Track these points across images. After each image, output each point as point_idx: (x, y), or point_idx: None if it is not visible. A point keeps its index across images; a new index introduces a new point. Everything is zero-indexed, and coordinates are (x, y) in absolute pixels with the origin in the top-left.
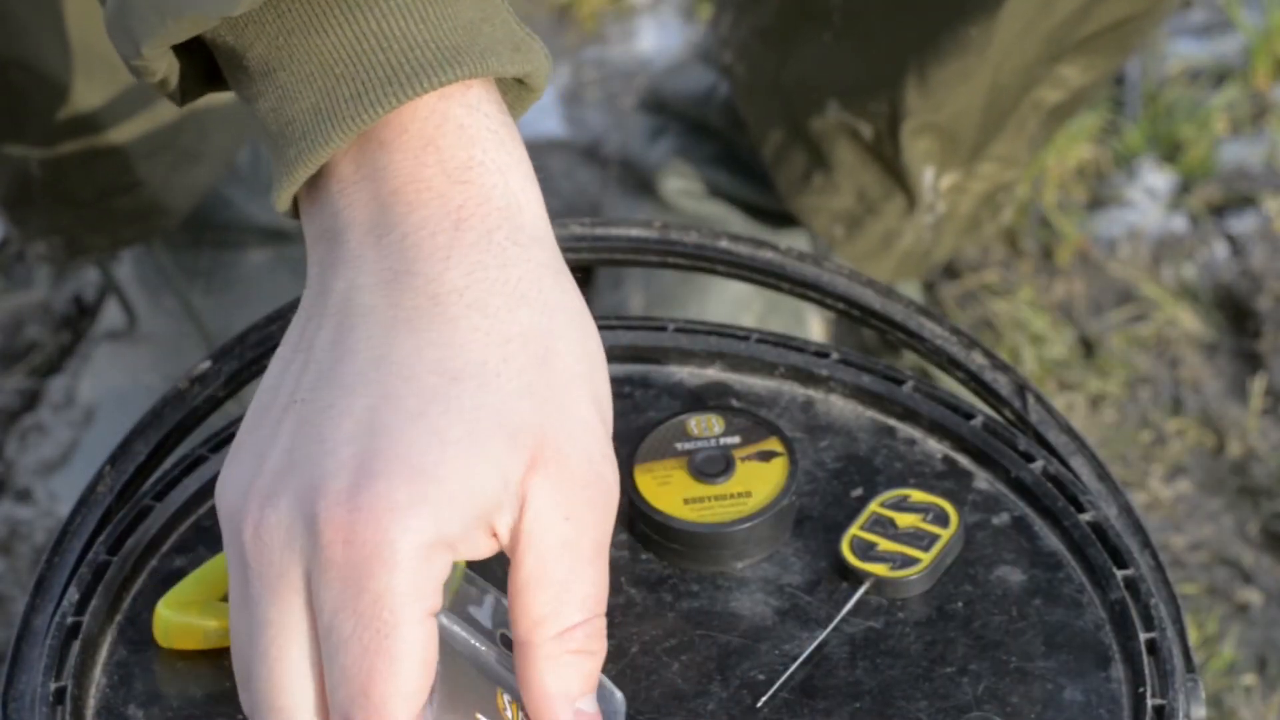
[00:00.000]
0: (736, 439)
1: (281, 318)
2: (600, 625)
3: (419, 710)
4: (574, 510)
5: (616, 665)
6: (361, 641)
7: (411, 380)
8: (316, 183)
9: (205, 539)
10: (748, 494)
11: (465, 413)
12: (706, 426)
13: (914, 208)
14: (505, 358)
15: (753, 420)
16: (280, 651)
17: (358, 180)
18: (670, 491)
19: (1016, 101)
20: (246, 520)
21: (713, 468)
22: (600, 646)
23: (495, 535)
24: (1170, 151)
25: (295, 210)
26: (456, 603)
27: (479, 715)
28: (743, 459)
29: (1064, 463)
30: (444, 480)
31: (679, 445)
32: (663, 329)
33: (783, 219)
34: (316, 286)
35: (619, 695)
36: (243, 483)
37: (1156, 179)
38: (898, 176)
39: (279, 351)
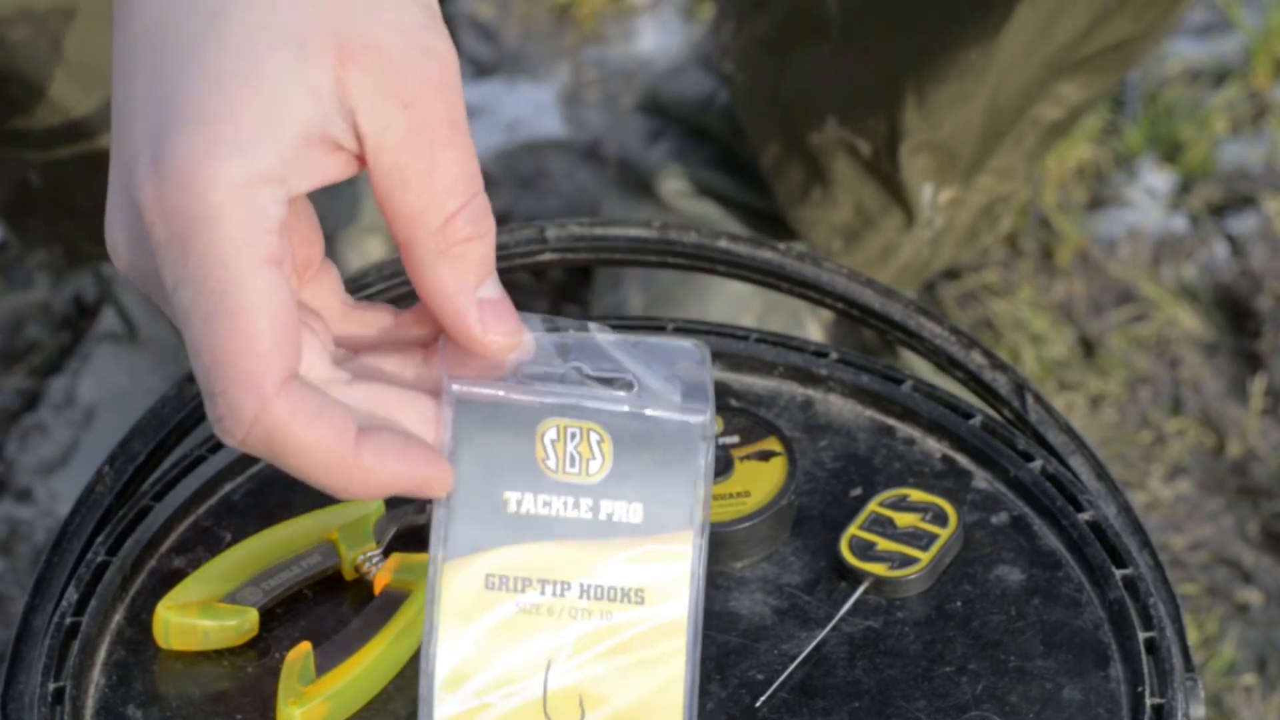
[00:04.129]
0: (735, 438)
1: None
2: (480, 204)
3: (283, 372)
4: (409, 95)
5: None
6: (200, 308)
7: (175, 35)
8: None
9: (205, 539)
10: (747, 494)
11: (236, 40)
12: None
13: (912, 223)
14: None
15: (752, 420)
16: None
17: None
18: None
19: (1015, 119)
20: (110, 254)
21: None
22: (487, 226)
23: (341, 148)
24: (1170, 151)
25: None
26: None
27: (507, 492)
28: (741, 458)
29: (1063, 462)
30: (234, 116)
31: None
32: (662, 329)
33: (782, 223)
34: None
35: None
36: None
37: (1156, 179)
38: (895, 192)
39: None
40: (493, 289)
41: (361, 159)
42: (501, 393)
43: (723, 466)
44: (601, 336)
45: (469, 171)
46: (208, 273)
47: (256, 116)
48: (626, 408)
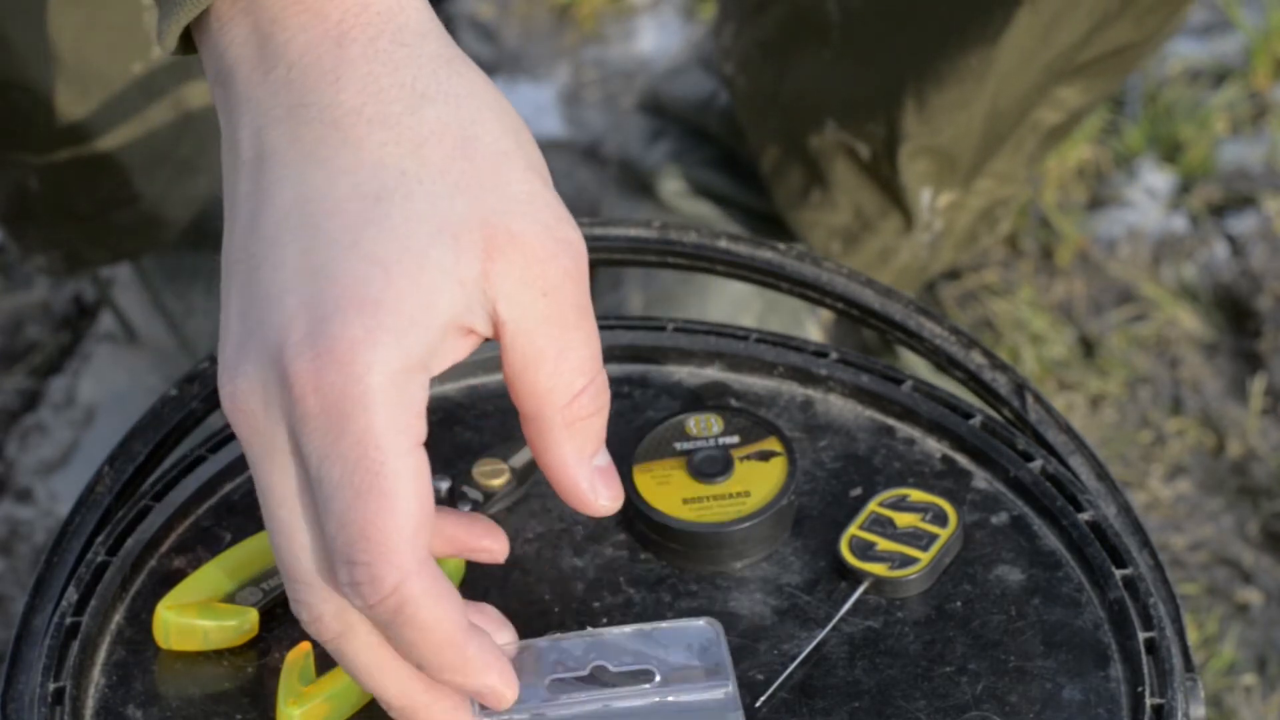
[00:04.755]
0: (735, 439)
1: None
2: (601, 381)
3: (424, 551)
4: (548, 284)
5: None
6: (352, 484)
7: (335, 213)
8: (203, 22)
9: (204, 539)
10: (746, 494)
11: (399, 230)
12: (705, 426)
13: (911, 226)
14: (423, 161)
15: (752, 420)
16: (285, 513)
17: (235, 15)
18: (669, 491)
19: (1015, 124)
20: (224, 395)
21: (711, 467)
22: (605, 401)
23: (473, 332)
24: (1170, 151)
25: (187, 46)
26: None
27: None
28: (741, 459)
29: (1063, 462)
30: (396, 304)
31: (678, 445)
32: (662, 329)
33: (781, 225)
34: (226, 135)
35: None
36: (220, 360)
37: (1156, 179)
38: (895, 196)
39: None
40: (603, 457)
41: (480, 342)
42: (528, 717)
43: (722, 467)
44: (616, 632)
45: (594, 353)
46: (363, 453)
47: (414, 306)
48: (654, 699)
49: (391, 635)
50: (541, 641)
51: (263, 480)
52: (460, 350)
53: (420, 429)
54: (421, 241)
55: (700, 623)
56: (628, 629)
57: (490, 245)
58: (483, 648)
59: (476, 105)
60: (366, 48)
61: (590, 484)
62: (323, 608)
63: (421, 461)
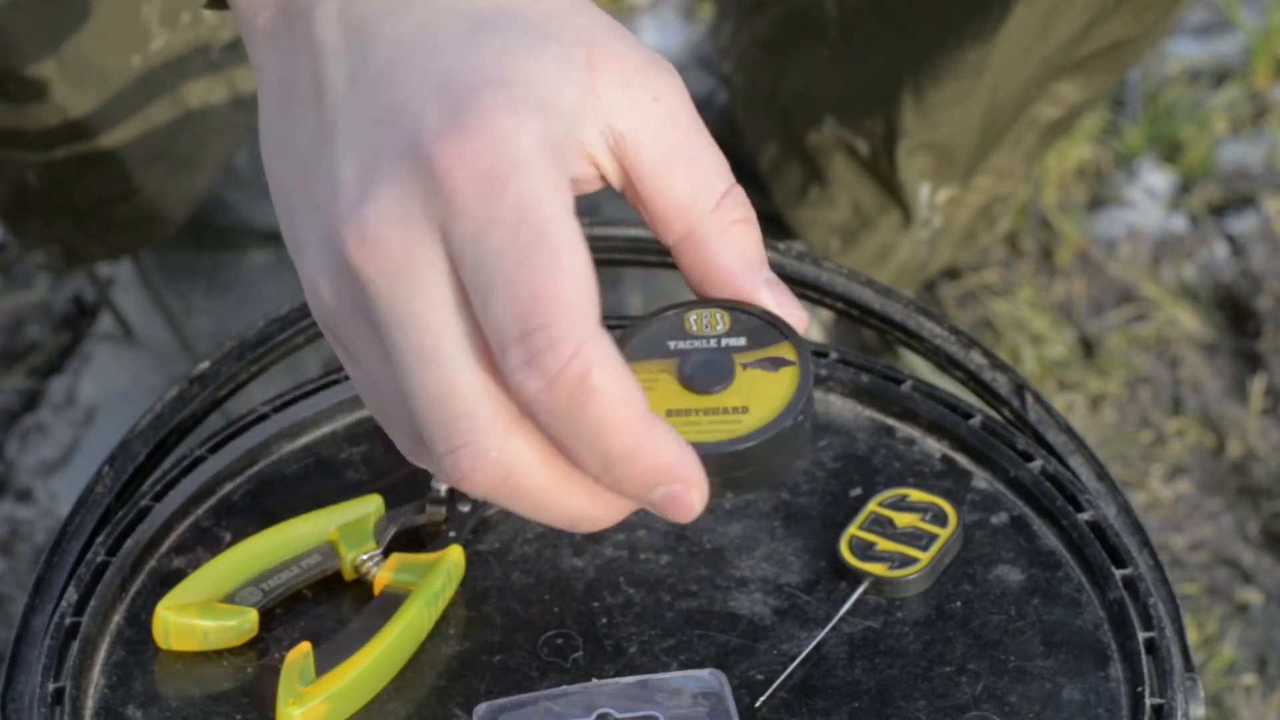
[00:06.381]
0: (741, 340)
1: (280, 318)
2: (741, 191)
3: (599, 314)
4: (656, 90)
5: (615, 665)
6: (517, 245)
7: (449, 34)
8: None
9: (204, 540)
10: (744, 409)
11: (511, 37)
12: (708, 323)
13: (910, 223)
14: (515, 3)
15: (763, 321)
16: (433, 340)
17: None
18: (651, 400)
19: (1013, 119)
20: (348, 235)
21: (706, 374)
22: (752, 213)
23: (594, 163)
24: (1170, 151)
25: None
26: None
27: None
28: (745, 365)
29: (1063, 462)
30: (528, 83)
31: (672, 344)
32: None
33: (780, 223)
34: (300, 33)
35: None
36: (333, 213)
37: (1156, 179)
38: (893, 192)
39: (273, 116)
40: (771, 271)
41: (600, 182)
42: None
43: (720, 374)
44: (620, 682)
45: (722, 159)
46: (523, 212)
47: (543, 89)
48: None
49: (569, 422)
50: (547, 692)
51: (400, 313)
52: (584, 170)
53: (571, 201)
54: (534, 44)
55: (705, 673)
56: (631, 679)
57: (590, 58)
58: (669, 430)
59: None
60: None
61: (770, 294)
62: (485, 440)
63: (580, 231)
